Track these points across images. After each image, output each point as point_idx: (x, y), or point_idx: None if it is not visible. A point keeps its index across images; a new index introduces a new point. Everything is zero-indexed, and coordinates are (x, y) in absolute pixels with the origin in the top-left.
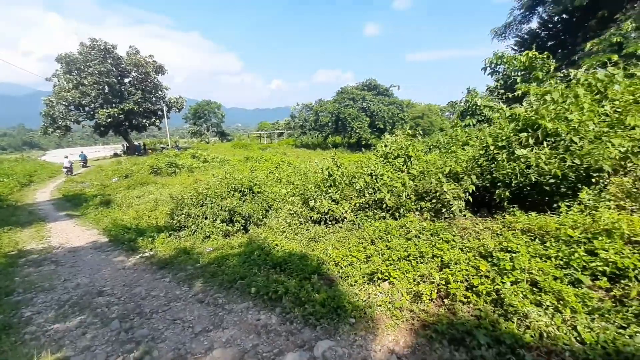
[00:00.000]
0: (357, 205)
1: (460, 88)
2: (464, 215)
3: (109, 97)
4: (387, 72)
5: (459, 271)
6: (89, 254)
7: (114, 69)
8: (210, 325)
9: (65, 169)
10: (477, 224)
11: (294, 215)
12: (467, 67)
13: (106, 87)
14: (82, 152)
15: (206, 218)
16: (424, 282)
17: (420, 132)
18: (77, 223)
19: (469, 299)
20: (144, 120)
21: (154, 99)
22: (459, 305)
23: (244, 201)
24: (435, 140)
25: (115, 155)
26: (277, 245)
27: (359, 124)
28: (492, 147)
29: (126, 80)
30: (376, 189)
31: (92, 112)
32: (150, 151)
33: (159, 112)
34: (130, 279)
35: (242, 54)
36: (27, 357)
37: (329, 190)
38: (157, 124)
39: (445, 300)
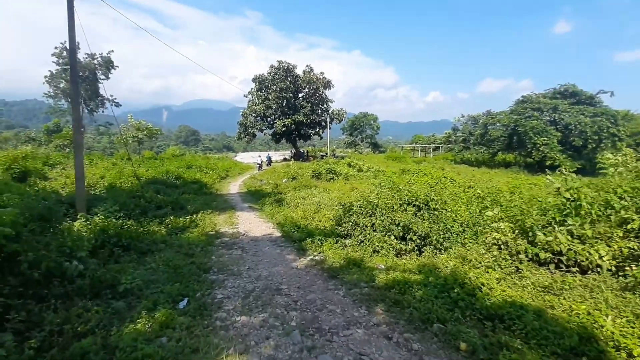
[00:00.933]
0: (624, 251)
1: None
2: None
3: (285, 110)
4: (585, 77)
5: None
6: (267, 245)
7: (292, 86)
8: None
9: (258, 165)
10: None
11: (502, 247)
12: None
13: (284, 101)
14: (268, 154)
15: (375, 230)
16: None
17: None
18: (257, 215)
19: None
20: (310, 130)
21: (319, 111)
22: None
23: (418, 218)
24: None
25: (285, 159)
26: (483, 284)
27: (544, 140)
28: None
29: (300, 95)
30: None
31: (271, 123)
32: (311, 158)
33: (323, 123)
34: (303, 281)
35: (399, 67)
36: (216, 351)
37: (568, 221)
38: (320, 133)
39: None
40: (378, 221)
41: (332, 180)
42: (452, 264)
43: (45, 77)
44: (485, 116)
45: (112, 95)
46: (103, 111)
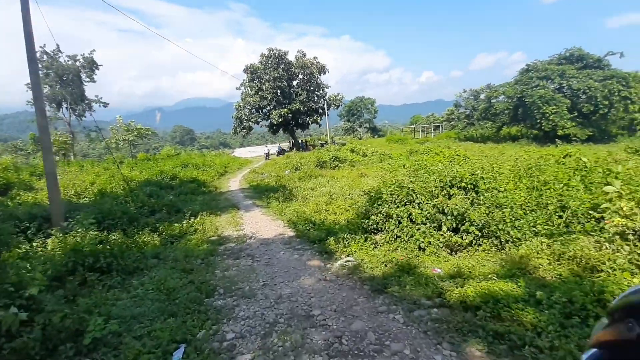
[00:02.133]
0: None
1: None
2: None
3: (281, 99)
4: (580, 45)
5: None
6: (281, 249)
7: (285, 73)
8: None
9: (265, 154)
10: None
11: (629, 236)
12: None
13: (278, 91)
14: (279, 145)
15: (413, 222)
16: None
17: None
18: (263, 212)
19: None
20: (307, 119)
21: (316, 97)
22: None
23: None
24: None
25: (283, 151)
26: None
27: (553, 109)
28: None
29: (294, 82)
30: None
31: (267, 114)
32: (311, 147)
33: (320, 110)
34: (339, 300)
35: (390, 50)
36: None
37: None
38: (318, 121)
39: None
40: (417, 210)
41: (337, 167)
42: (561, 268)
43: (27, 84)
44: (488, 90)
45: (97, 96)
46: (91, 114)
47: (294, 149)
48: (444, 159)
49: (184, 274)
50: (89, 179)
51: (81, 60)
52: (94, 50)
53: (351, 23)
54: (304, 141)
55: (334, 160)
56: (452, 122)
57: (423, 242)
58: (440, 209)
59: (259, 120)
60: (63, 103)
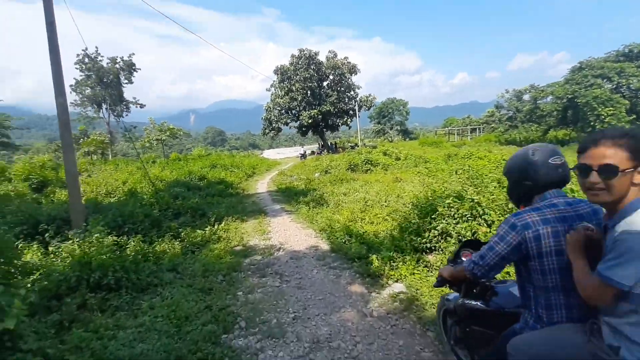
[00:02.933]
0: None
1: None
2: None
3: (311, 100)
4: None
5: None
6: (313, 267)
7: (316, 74)
8: None
9: (300, 155)
10: None
11: None
12: None
13: (308, 92)
14: (318, 146)
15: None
16: None
17: None
18: (292, 219)
19: None
20: (338, 120)
21: (346, 99)
22: None
23: None
24: None
25: (313, 153)
26: None
27: (610, 110)
28: None
29: (324, 83)
30: None
31: (297, 115)
32: (340, 149)
33: (350, 112)
34: (395, 351)
35: (422, 51)
36: None
37: None
38: (348, 122)
39: None
40: (485, 229)
41: (369, 171)
42: None
43: (71, 85)
44: (533, 90)
45: (135, 98)
46: (127, 115)
47: (324, 151)
48: (489, 164)
49: (202, 295)
50: (122, 177)
51: (121, 63)
52: (133, 54)
53: (382, 25)
54: (333, 143)
55: (366, 164)
56: (493, 125)
57: None
58: None
59: (288, 121)
60: (103, 104)
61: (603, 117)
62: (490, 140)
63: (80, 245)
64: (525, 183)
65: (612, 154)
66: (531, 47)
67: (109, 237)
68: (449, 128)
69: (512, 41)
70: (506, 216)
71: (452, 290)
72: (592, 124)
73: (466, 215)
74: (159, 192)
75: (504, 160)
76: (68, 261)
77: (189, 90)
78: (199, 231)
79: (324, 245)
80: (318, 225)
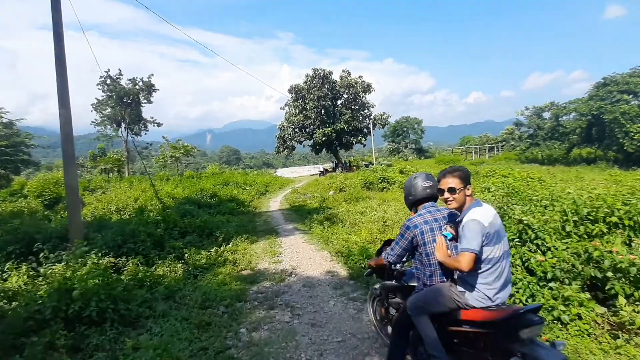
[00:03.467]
0: None
1: None
2: None
3: (324, 119)
4: None
5: None
6: (330, 297)
7: (329, 93)
8: None
9: (320, 172)
10: None
11: None
12: None
13: (322, 110)
14: (336, 162)
15: (532, 273)
16: None
17: None
18: (305, 239)
19: None
20: (352, 138)
21: (360, 117)
22: None
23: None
24: None
25: (326, 171)
26: None
27: (639, 127)
28: None
29: (338, 102)
30: None
31: (311, 133)
32: (354, 168)
33: (364, 130)
34: None
35: (435, 71)
36: None
37: None
38: (362, 141)
39: None
40: (539, 256)
41: (385, 189)
42: None
43: (92, 104)
44: (554, 107)
45: (152, 117)
46: (145, 133)
47: (339, 169)
48: (515, 182)
49: (198, 333)
50: (134, 194)
51: (140, 84)
52: (152, 75)
53: (394, 46)
54: (347, 161)
55: (381, 182)
56: (513, 143)
57: (564, 311)
58: (587, 257)
59: (302, 139)
60: (122, 123)
61: (632, 133)
62: (509, 158)
63: (68, 268)
64: (410, 198)
65: (452, 181)
66: (546, 66)
67: (106, 258)
68: (466, 146)
69: (527, 59)
70: (563, 241)
71: (379, 280)
72: (620, 141)
73: (514, 239)
74: (167, 210)
75: (530, 178)
76: (47, 288)
77: (206, 111)
78: (203, 252)
79: (341, 271)
80: (334, 247)
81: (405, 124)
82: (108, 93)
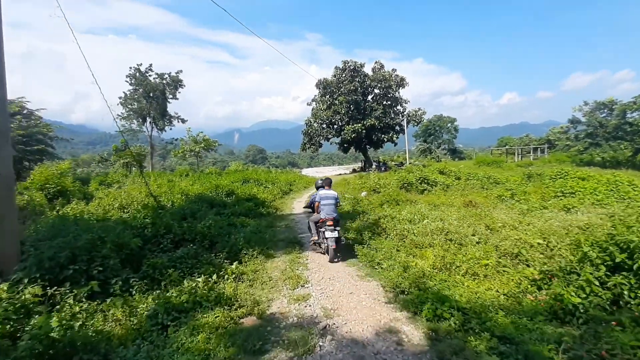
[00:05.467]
0: None
1: None
2: None
3: (355, 114)
4: None
5: None
6: None
7: (360, 87)
8: None
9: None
10: None
11: None
12: None
13: (352, 105)
14: (370, 161)
15: None
16: None
17: None
18: (343, 260)
19: None
20: (383, 136)
21: (392, 113)
22: None
23: None
24: None
25: (354, 171)
26: None
27: None
28: None
29: (369, 97)
30: None
31: (339, 130)
32: (388, 168)
33: (397, 127)
34: None
35: (467, 71)
36: None
37: None
38: (394, 139)
39: None
40: None
41: (425, 191)
42: None
43: (120, 98)
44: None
45: (176, 113)
46: (171, 129)
47: (372, 168)
48: (599, 186)
49: None
50: (145, 190)
51: (168, 79)
52: (181, 71)
53: (425, 46)
54: (382, 161)
55: (421, 183)
56: (569, 142)
57: None
58: None
59: (330, 136)
60: (147, 117)
61: None
62: (561, 160)
63: None
64: (317, 186)
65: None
66: (587, 67)
67: (29, 287)
68: (507, 147)
69: (567, 59)
70: None
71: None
72: None
73: None
74: (161, 210)
75: (617, 182)
76: None
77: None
78: (186, 284)
79: (411, 329)
80: (386, 276)
81: (438, 123)
82: (135, 87)
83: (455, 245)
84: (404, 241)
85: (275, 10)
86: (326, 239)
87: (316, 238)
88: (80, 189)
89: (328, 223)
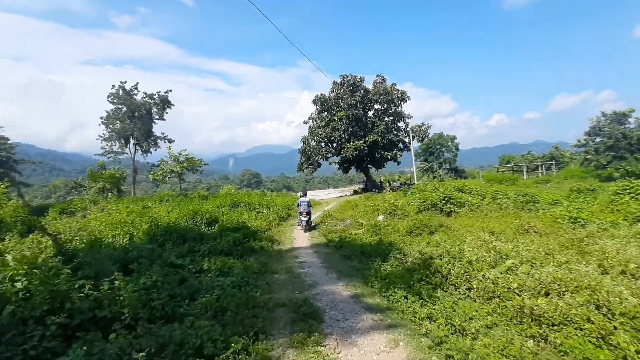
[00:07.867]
0: None
1: None
2: None
3: (355, 130)
4: None
5: None
6: None
7: (361, 101)
8: None
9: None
10: None
11: None
12: None
13: (352, 121)
14: (364, 182)
15: None
16: None
17: None
18: (389, 338)
19: None
20: (386, 153)
21: (395, 130)
22: None
23: None
24: None
25: (355, 192)
26: None
27: None
28: None
29: (370, 113)
30: None
31: (339, 148)
32: (386, 188)
33: (400, 144)
34: None
35: (456, 94)
36: None
37: None
38: (397, 157)
39: None
40: None
41: (452, 213)
42: None
43: (101, 118)
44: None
45: (163, 133)
46: (156, 150)
47: (374, 189)
48: None
49: None
50: (118, 218)
51: (156, 98)
52: (170, 90)
53: (413, 70)
54: (380, 181)
55: (446, 203)
56: (590, 156)
57: None
58: None
59: (328, 155)
60: (131, 139)
61: None
62: (579, 176)
63: None
64: (299, 196)
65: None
66: (571, 88)
67: None
68: (512, 164)
69: (552, 82)
70: None
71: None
72: None
73: None
74: (74, 258)
75: None
76: None
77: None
78: None
79: None
80: None
81: (439, 141)
82: (118, 106)
83: (558, 306)
84: (497, 303)
85: (268, 39)
86: (302, 220)
87: (299, 222)
88: (28, 220)
89: (303, 214)
